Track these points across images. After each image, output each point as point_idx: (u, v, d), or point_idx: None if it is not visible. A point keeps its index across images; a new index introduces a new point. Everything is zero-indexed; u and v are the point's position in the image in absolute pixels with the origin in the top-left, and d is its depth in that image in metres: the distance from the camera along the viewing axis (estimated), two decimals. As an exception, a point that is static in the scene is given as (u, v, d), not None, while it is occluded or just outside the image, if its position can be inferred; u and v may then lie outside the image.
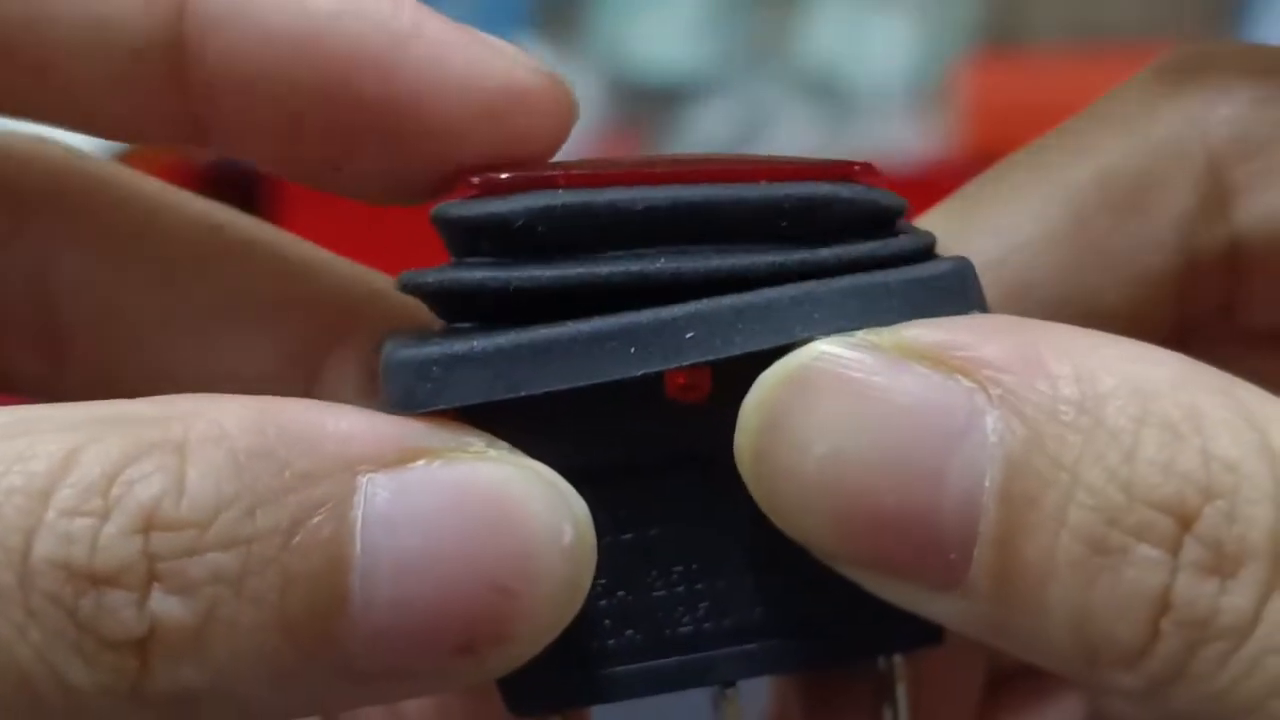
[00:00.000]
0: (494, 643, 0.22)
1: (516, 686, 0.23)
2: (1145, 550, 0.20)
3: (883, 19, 1.05)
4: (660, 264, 0.22)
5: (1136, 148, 0.26)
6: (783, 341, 0.21)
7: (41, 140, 0.26)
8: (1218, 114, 0.26)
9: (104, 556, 0.20)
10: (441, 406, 0.21)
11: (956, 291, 0.22)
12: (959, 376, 0.20)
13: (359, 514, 0.21)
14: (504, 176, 0.22)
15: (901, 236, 0.23)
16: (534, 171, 0.22)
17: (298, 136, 0.24)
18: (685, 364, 0.22)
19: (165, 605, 0.20)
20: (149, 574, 0.20)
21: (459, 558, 0.21)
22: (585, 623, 0.22)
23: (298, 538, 0.21)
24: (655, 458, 0.23)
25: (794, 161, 0.23)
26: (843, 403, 0.21)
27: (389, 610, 0.21)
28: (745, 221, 0.22)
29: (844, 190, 0.23)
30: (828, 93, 1.04)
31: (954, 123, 1.03)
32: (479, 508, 0.22)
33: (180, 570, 0.20)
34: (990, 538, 0.20)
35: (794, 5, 1.04)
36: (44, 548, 0.20)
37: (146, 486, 0.20)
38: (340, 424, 0.21)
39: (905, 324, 0.21)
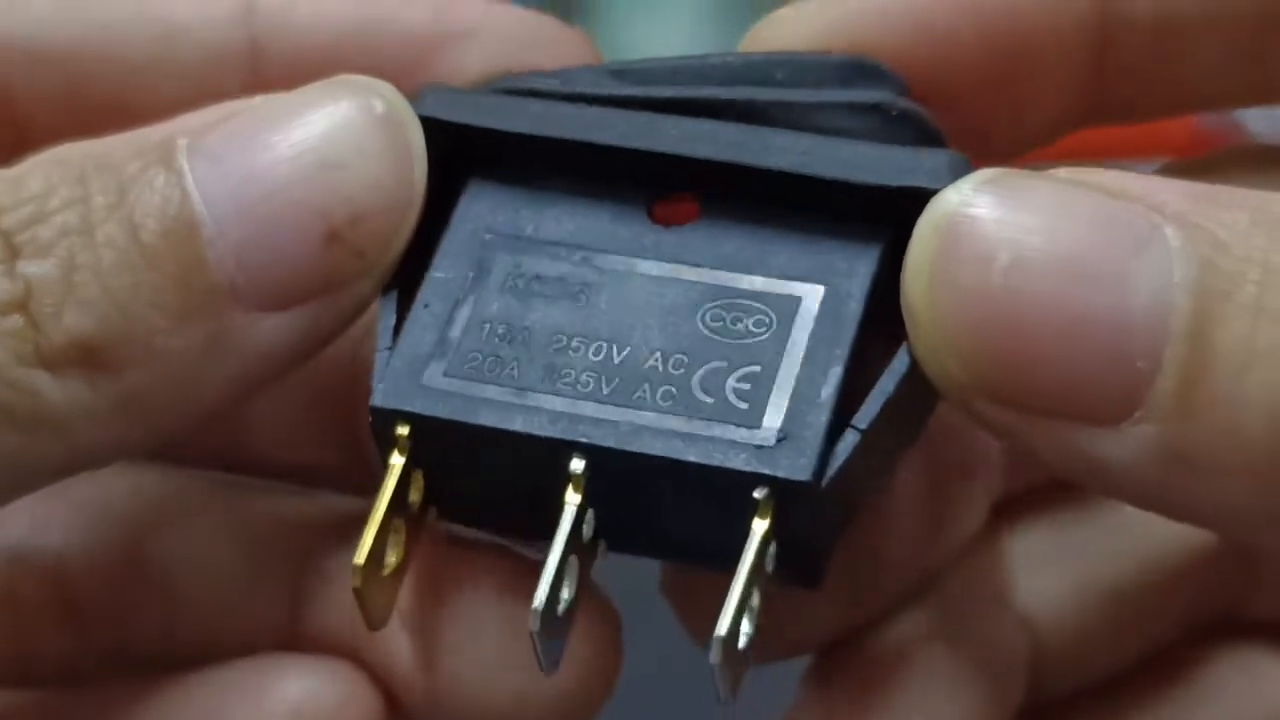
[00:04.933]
0: (351, 221, 0.24)
1: (392, 384, 0.24)
2: None
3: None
4: (659, 90, 0.25)
5: None
6: (751, 161, 0.24)
7: None
8: None
9: None
10: (439, 115, 0.25)
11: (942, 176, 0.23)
12: (1132, 201, 0.21)
13: (183, 158, 0.24)
14: None
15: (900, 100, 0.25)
16: None
17: None
18: (663, 150, 0.24)
19: (30, 267, 0.23)
20: (8, 248, 0.23)
21: (284, 154, 0.24)
22: (470, 353, 0.24)
23: (132, 192, 0.23)
24: (622, 251, 0.25)
25: None
26: (1023, 215, 0.21)
27: (241, 221, 0.23)
28: (741, 72, 0.26)
29: (834, 55, 0.25)
30: (828, 92, 1.03)
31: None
32: (289, 112, 0.24)
33: (33, 236, 0.23)
34: (1182, 332, 0.20)
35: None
36: None
37: None
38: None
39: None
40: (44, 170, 0.24)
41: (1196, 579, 0.29)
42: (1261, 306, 0.20)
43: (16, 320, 0.23)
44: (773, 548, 0.23)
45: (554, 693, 0.25)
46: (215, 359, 0.24)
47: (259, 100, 0.25)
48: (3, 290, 0.23)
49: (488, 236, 0.25)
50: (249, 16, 0.28)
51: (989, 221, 0.21)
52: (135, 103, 0.27)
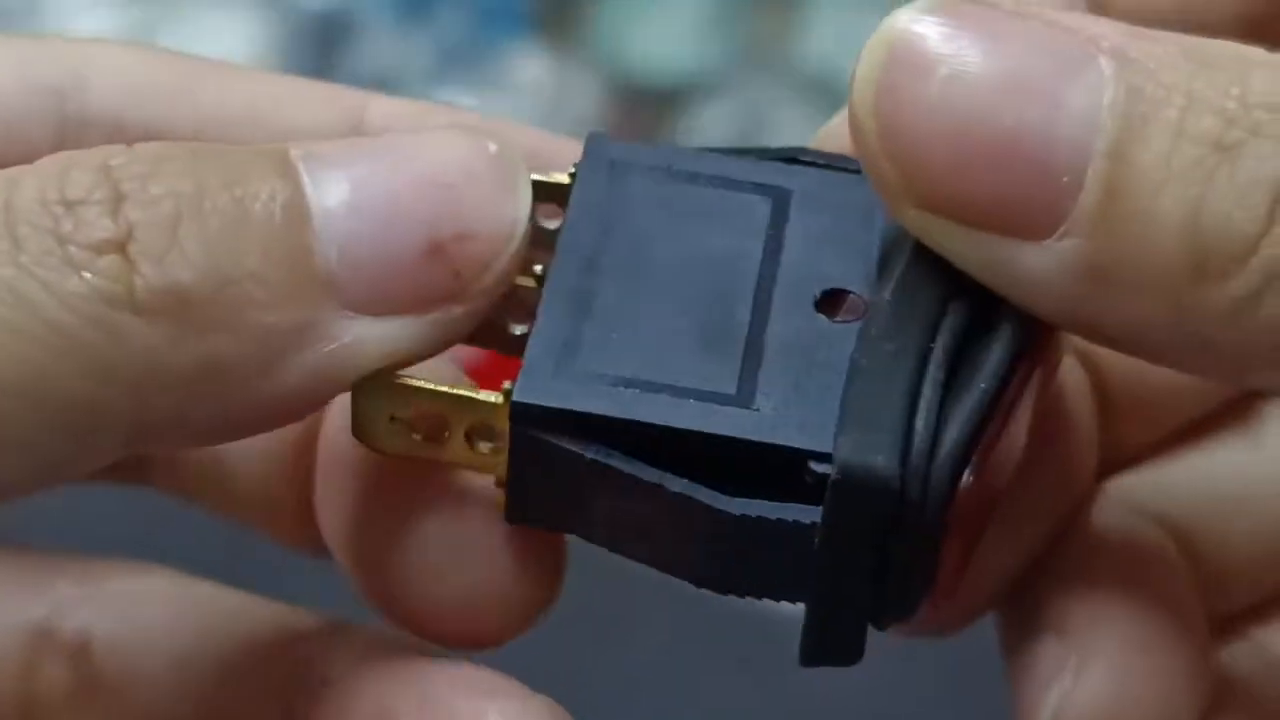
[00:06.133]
0: (454, 238, 0.24)
1: (517, 504, 0.25)
2: (1262, 142, 0.21)
3: (883, 19, 1.05)
4: None
5: None
6: None
7: None
8: None
9: (73, 186, 0.23)
10: None
11: None
12: (1070, 31, 0.22)
13: (298, 159, 0.24)
14: None
15: None
16: None
17: None
18: None
19: (137, 213, 0.23)
20: (114, 192, 0.23)
21: (396, 164, 0.24)
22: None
23: (246, 174, 0.24)
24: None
25: None
26: (964, 34, 0.22)
27: (348, 217, 0.24)
28: None
29: None
30: (828, 93, 1.04)
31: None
32: (403, 138, 0.25)
33: (142, 187, 0.23)
34: (1105, 150, 0.21)
35: (794, 6, 1.04)
36: (22, 195, 0.23)
37: (104, 155, 0.23)
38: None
39: None
40: (160, 145, 0.24)
41: None
42: (1181, 130, 0.21)
43: (113, 260, 0.22)
44: None
45: (500, 594, 0.26)
46: (301, 347, 0.23)
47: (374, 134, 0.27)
48: (103, 228, 0.23)
49: None
50: (357, 132, 0.29)
51: (931, 38, 0.23)
52: None
